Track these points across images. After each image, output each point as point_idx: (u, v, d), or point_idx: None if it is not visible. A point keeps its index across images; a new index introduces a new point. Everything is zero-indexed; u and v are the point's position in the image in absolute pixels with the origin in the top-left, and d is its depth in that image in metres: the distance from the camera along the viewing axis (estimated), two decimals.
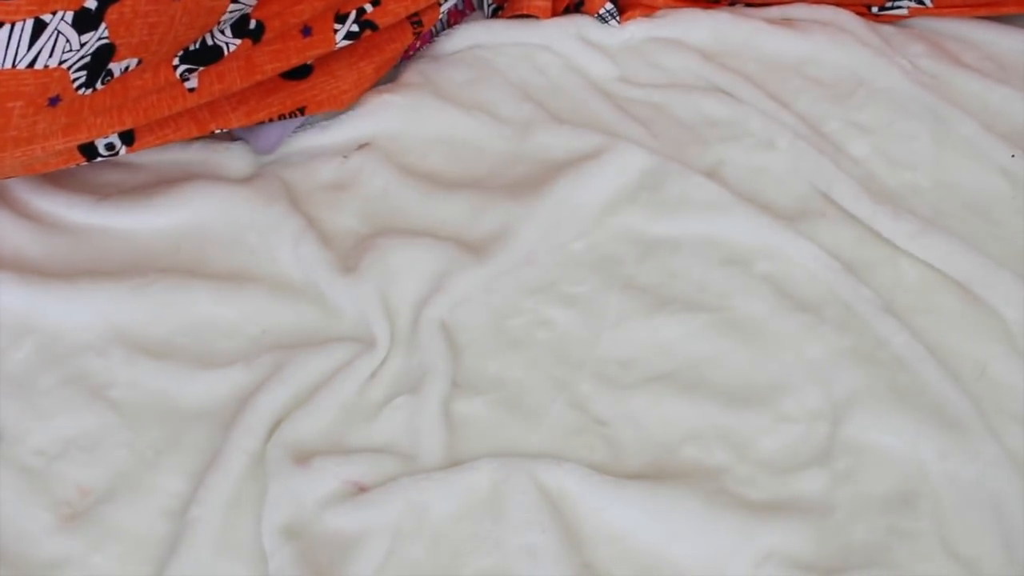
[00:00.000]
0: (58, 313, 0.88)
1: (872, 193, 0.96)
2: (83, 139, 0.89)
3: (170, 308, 0.89)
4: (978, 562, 0.75)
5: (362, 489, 0.78)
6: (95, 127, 0.89)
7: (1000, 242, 0.93)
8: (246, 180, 1.00)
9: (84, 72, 0.84)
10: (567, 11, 1.15)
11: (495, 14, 1.16)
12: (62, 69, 0.82)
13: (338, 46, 0.98)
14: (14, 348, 0.87)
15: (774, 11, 1.14)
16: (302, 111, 1.00)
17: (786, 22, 1.12)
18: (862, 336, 0.87)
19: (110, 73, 0.86)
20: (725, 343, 0.87)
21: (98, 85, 0.86)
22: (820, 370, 0.85)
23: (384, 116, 1.03)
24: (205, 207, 0.96)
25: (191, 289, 0.90)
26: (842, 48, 1.08)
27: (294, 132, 1.03)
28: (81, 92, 0.85)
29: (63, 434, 0.82)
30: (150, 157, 1.01)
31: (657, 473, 0.80)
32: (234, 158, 1.02)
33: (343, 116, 1.03)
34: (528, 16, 1.13)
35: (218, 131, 0.97)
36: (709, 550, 0.76)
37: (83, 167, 0.98)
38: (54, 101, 0.84)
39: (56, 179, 0.97)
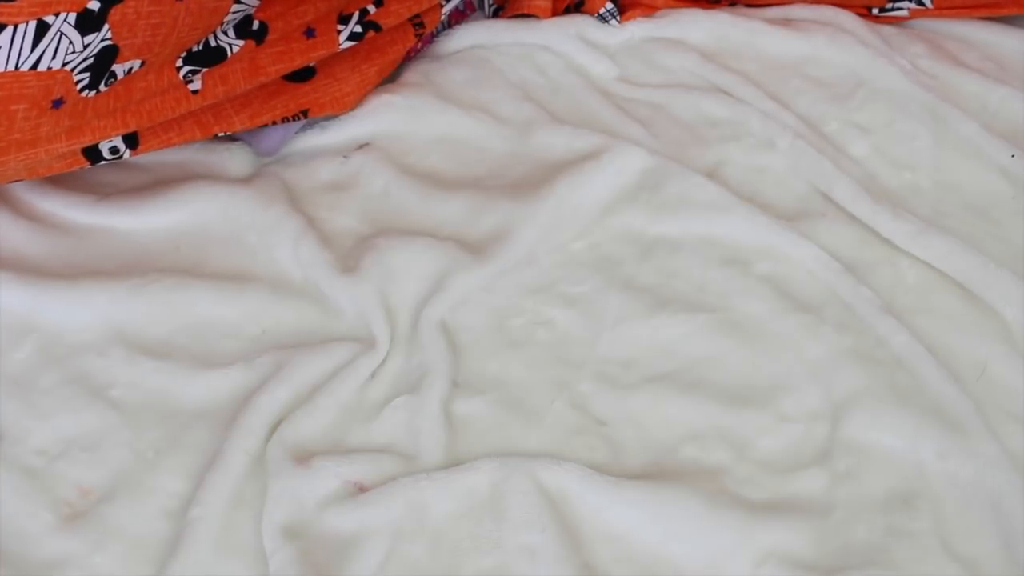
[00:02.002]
0: (58, 313, 0.88)
1: (872, 193, 0.96)
2: (86, 142, 0.88)
3: (170, 308, 0.89)
4: (978, 562, 0.75)
5: (362, 489, 0.78)
6: (98, 129, 0.88)
7: (1000, 242, 0.93)
8: (246, 180, 1.00)
9: (87, 74, 0.84)
10: (567, 11, 1.15)
11: (496, 14, 1.16)
12: (65, 71, 0.82)
13: (341, 47, 0.98)
14: (14, 348, 0.87)
15: (774, 11, 1.14)
16: (305, 114, 1.00)
17: (786, 22, 1.12)
18: (862, 336, 0.87)
19: (113, 75, 0.86)
20: (725, 343, 0.87)
21: (101, 87, 0.86)
22: (820, 370, 0.85)
23: (384, 116, 1.03)
24: (205, 207, 0.96)
25: (191, 289, 0.90)
26: (842, 48, 1.08)
27: (294, 133, 1.03)
28: (84, 94, 0.85)
29: (63, 434, 0.82)
30: (150, 157, 1.01)
31: (657, 473, 0.80)
32: (234, 158, 1.02)
33: (343, 116, 1.03)
34: (528, 16, 1.13)
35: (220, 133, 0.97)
36: (709, 550, 0.75)
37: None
38: (57, 103, 0.84)
39: (56, 179, 0.97)
